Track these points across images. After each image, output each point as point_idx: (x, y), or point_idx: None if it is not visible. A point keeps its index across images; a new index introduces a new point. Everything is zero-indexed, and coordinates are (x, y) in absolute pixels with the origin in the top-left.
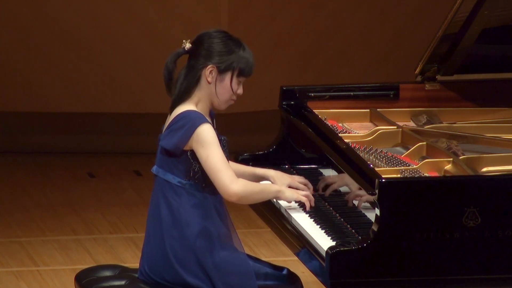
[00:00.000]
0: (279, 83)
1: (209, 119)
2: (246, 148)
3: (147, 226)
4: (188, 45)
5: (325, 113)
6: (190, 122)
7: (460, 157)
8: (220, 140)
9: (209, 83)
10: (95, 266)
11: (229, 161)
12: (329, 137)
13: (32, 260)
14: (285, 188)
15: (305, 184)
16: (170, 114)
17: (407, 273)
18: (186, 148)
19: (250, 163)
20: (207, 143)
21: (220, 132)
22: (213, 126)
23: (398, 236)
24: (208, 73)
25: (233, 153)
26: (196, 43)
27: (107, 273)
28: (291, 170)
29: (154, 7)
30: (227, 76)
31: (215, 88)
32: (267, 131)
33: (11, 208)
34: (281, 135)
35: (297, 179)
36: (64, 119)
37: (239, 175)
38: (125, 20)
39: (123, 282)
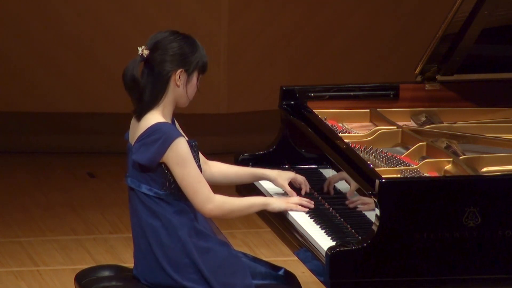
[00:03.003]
0: (279, 83)
1: (176, 123)
2: (246, 148)
3: (135, 239)
4: (146, 52)
5: (325, 113)
6: (164, 135)
7: (460, 157)
8: (191, 146)
9: (177, 86)
10: (95, 266)
11: (227, 164)
12: (329, 137)
13: (32, 260)
14: (272, 199)
15: (302, 183)
16: (138, 122)
17: (407, 273)
18: (161, 161)
19: (250, 163)
20: (182, 160)
21: (220, 132)
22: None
23: (398, 236)
24: (178, 77)
25: (233, 153)
26: (155, 49)
27: (107, 273)
28: (292, 170)
29: (154, 7)
30: (195, 76)
31: (186, 90)
32: (267, 131)
33: (11, 208)
34: (281, 135)
35: (299, 177)
36: (64, 119)
37: (236, 177)
38: (125, 20)
39: (123, 282)
